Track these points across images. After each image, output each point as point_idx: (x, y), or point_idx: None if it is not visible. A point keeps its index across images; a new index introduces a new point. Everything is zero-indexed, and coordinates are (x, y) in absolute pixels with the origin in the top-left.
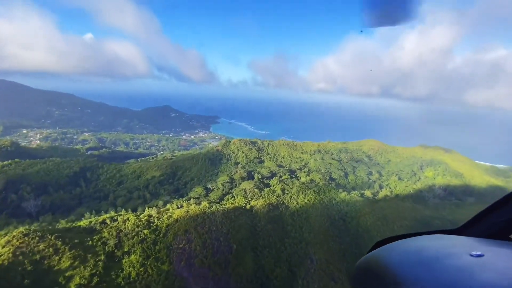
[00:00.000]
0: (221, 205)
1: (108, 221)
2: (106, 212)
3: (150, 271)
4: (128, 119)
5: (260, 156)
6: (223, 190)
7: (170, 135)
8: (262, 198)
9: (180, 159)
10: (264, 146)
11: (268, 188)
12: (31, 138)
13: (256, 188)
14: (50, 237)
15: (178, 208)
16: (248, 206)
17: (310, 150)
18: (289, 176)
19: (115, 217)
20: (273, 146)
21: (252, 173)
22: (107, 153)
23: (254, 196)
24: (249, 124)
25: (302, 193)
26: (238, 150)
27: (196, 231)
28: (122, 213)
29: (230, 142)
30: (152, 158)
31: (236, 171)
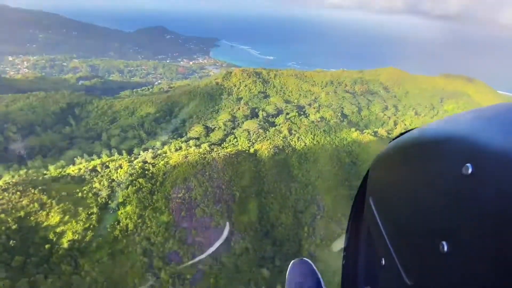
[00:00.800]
0: (223, 148)
1: (99, 169)
2: (99, 155)
3: (148, 223)
4: (120, 42)
5: (265, 90)
6: (224, 130)
7: (167, 61)
8: (267, 140)
9: (176, 93)
10: (270, 78)
11: (273, 128)
12: (19, 66)
13: (261, 128)
14: (33, 191)
15: (176, 150)
16: (252, 150)
17: (322, 82)
18: (297, 114)
19: (106, 163)
20: (280, 77)
21: (256, 110)
22: (100, 83)
23: (259, 137)
24: (253, 48)
25: (311, 134)
26: (240, 83)
27: (196, 179)
28: (115, 157)
29: (231, 73)
30: (148, 89)
31: (239, 108)
